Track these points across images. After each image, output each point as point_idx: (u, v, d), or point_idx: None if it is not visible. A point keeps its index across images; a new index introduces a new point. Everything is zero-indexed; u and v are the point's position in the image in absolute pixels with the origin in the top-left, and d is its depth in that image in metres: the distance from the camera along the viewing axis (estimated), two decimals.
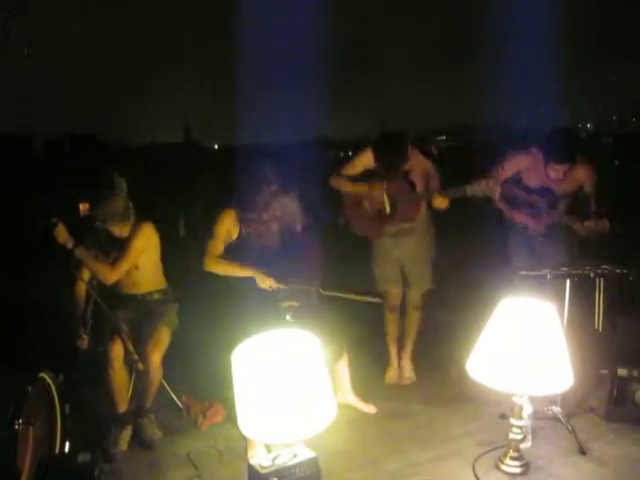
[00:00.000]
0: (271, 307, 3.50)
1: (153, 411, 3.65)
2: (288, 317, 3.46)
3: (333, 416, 2.41)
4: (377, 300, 3.83)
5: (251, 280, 3.55)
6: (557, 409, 3.54)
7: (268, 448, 2.54)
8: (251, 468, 2.48)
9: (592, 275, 3.57)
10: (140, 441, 3.53)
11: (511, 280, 3.67)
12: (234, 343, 2.42)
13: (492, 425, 3.53)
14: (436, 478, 2.77)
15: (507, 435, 3.17)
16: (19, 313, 4.65)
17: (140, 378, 3.59)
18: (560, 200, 4.10)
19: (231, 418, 3.32)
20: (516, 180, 4.18)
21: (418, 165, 4.05)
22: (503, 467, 3.15)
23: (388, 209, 4.09)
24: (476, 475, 3.12)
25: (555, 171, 3.96)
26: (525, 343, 2.91)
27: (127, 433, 3.52)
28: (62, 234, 3.45)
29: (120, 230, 3.62)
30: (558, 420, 3.52)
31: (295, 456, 2.48)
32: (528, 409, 3.17)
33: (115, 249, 3.63)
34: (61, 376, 3.13)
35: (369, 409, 3.88)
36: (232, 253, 3.66)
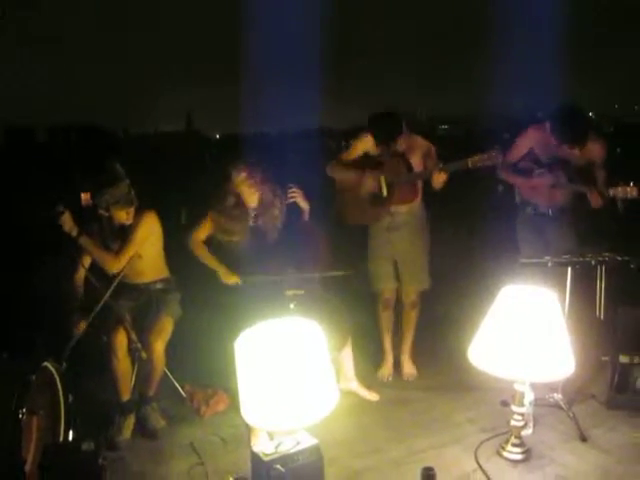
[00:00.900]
0: (275, 296, 3.53)
1: (156, 400, 3.67)
2: (292, 306, 3.48)
3: (335, 403, 2.42)
4: (345, 272, 3.73)
5: (254, 269, 3.59)
6: (558, 396, 3.55)
7: (271, 435, 2.55)
8: (254, 455, 2.49)
9: (593, 263, 3.56)
10: (143, 430, 3.55)
11: (513, 268, 3.68)
12: (237, 332, 2.44)
13: (494, 412, 3.54)
14: (438, 465, 2.77)
15: (508, 422, 3.19)
16: (23, 302, 4.67)
17: (143, 367, 3.60)
18: (573, 170, 4.08)
19: (234, 406, 3.35)
20: (532, 157, 4.18)
21: (417, 145, 4.03)
22: (505, 454, 3.17)
23: (385, 191, 4.02)
24: (478, 461, 3.14)
25: (569, 150, 3.99)
26: (526, 330, 2.92)
27: (130, 422, 3.54)
28: (68, 222, 3.46)
29: (125, 216, 3.61)
30: (559, 407, 3.54)
31: (298, 443, 2.49)
32: (529, 396, 3.19)
33: (117, 238, 3.63)
34: (64, 365, 3.15)
35: (371, 396, 3.90)
36: (226, 248, 3.75)
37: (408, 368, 4.27)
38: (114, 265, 3.58)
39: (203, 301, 4.09)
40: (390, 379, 4.23)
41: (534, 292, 3.02)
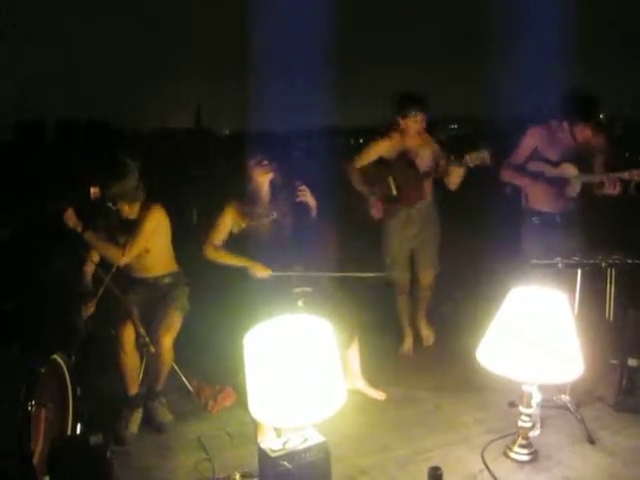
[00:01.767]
0: (283, 293, 3.53)
1: (164, 394, 3.68)
2: (300, 303, 3.48)
3: (343, 401, 2.43)
4: (380, 274, 3.99)
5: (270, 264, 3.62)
6: (566, 398, 3.54)
7: (278, 432, 2.56)
8: (261, 452, 2.50)
9: (603, 265, 3.54)
10: (151, 424, 3.56)
11: (522, 269, 3.67)
12: (245, 328, 2.44)
13: (501, 413, 3.53)
14: (445, 464, 2.77)
15: (516, 423, 3.18)
16: (31, 296, 4.68)
17: (151, 361, 3.61)
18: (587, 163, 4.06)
19: (242, 402, 3.35)
20: (538, 158, 4.13)
21: (428, 144, 4.20)
22: (512, 455, 3.16)
23: (394, 191, 4.21)
24: (485, 462, 3.13)
25: (583, 131, 3.93)
26: (535, 332, 2.92)
27: (138, 416, 3.55)
28: (72, 219, 3.49)
29: (129, 210, 3.64)
30: (567, 409, 3.53)
31: (305, 440, 2.50)
32: (537, 397, 3.18)
33: (125, 232, 3.65)
34: (73, 358, 3.17)
35: (378, 395, 3.89)
36: (241, 242, 3.73)
37: (426, 331, 4.61)
38: (121, 257, 3.59)
39: (212, 296, 4.10)
40: (412, 353, 4.50)
41: (544, 294, 3.01)
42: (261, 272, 3.65)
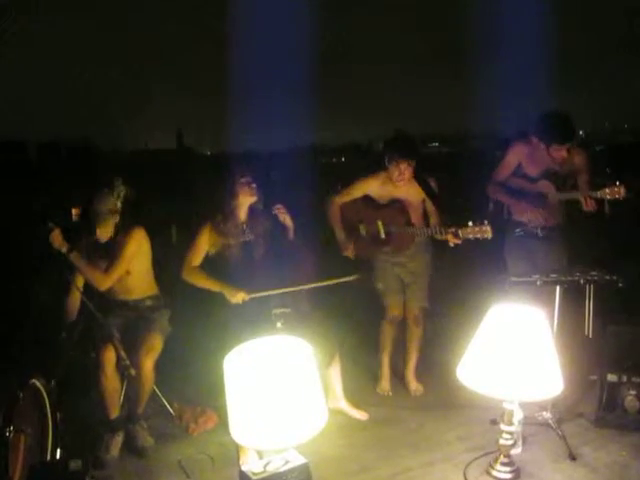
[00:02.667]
0: (263, 314, 3.52)
1: (145, 418, 3.65)
2: (279, 324, 3.46)
3: (324, 422, 2.42)
4: (353, 277, 3.82)
5: (243, 286, 3.58)
6: (547, 415, 3.56)
7: (260, 454, 2.54)
8: (243, 474, 2.48)
9: (582, 281, 3.57)
10: (132, 448, 3.53)
11: (503, 286, 3.69)
12: (226, 350, 2.43)
13: (483, 431, 3.55)
14: None
15: (498, 441, 3.19)
16: (11, 318, 4.64)
17: (132, 384, 3.58)
18: (565, 181, 4.10)
19: (223, 424, 3.33)
20: (520, 174, 4.19)
21: (415, 192, 4.05)
22: (494, 473, 3.16)
23: (383, 234, 4.11)
24: None
25: (558, 151, 3.96)
26: (515, 349, 2.92)
27: (119, 440, 3.51)
28: (57, 239, 3.46)
29: (104, 232, 3.64)
30: (548, 426, 3.54)
31: (287, 462, 2.48)
32: (518, 415, 3.19)
33: (104, 256, 3.63)
34: (53, 382, 3.13)
35: (360, 415, 3.89)
36: (216, 264, 3.72)
37: (414, 385, 4.32)
38: (104, 282, 3.58)
39: (192, 319, 4.09)
40: (390, 394, 4.28)
41: (523, 311, 3.03)
42: (235, 298, 3.58)
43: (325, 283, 3.70)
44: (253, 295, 3.58)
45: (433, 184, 4.02)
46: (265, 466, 2.45)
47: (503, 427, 3.14)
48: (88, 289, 3.64)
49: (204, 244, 3.74)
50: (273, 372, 2.30)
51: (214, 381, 2.70)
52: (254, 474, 2.43)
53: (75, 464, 2.58)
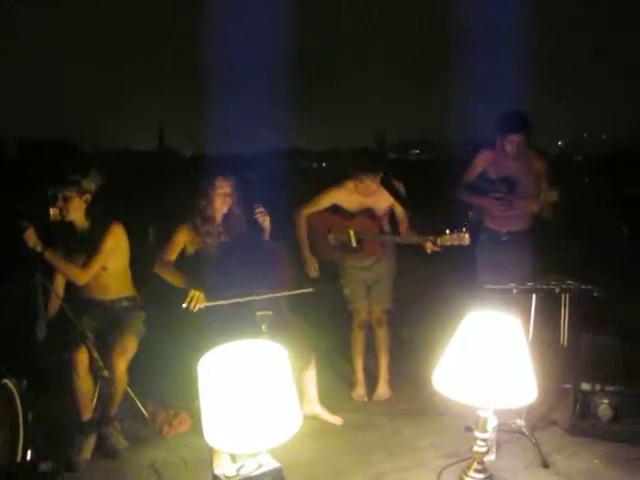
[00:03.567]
0: (246, 316, 3.49)
1: (118, 420, 3.62)
2: (264, 327, 3.44)
3: (298, 427, 2.41)
4: (310, 290, 3.75)
5: (222, 289, 3.55)
6: (521, 422, 3.58)
7: (233, 458, 2.53)
8: (216, 478, 2.46)
9: (557, 290, 3.61)
10: (104, 450, 3.49)
11: (478, 294, 3.71)
12: (201, 352, 2.42)
13: (457, 437, 3.55)
14: None
15: (472, 448, 3.19)
16: None
17: (105, 386, 3.55)
18: (519, 186, 4.25)
19: (197, 428, 3.30)
20: (484, 177, 4.36)
21: (383, 198, 4.12)
22: (467, 479, 3.16)
23: (354, 242, 4.14)
24: None
25: (510, 143, 4.15)
26: (489, 357, 2.93)
27: (91, 442, 3.48)
28: (31, 237, 3.44)
29: (78, 217, 3.63)
30: (522, 433, 3.56)
31: (260, 466, 2.47)
32: (493, 422, 3.20)
33: (83, 252, 3.61)
34: (25, 382, 3.09)
35: (335, 420, 3.88)
36: (197, 264, 3.70)
37: (382, 390, 4.31)
38: (81, 276, 3.57)
39: (168, 320, 4.06)
40: (366, 399, 4.28)
41: (498, 318, 3.04)
42: (190, 303, 3.46)
43: (281, 294, 3.62)
44: (208, 304, 3.47)
45: (401, 188, 4.09)
46: (238, 470, 2.44)
47: (477, 434, 3.14)
48: (64, 290, 3.61)
49: (180, 241, 3.77)
50: (247, 375, 2.29)
51: (189, 384, 2.68)
52: (227, 478, 2.42)
53: (46, 465, 2.56)
